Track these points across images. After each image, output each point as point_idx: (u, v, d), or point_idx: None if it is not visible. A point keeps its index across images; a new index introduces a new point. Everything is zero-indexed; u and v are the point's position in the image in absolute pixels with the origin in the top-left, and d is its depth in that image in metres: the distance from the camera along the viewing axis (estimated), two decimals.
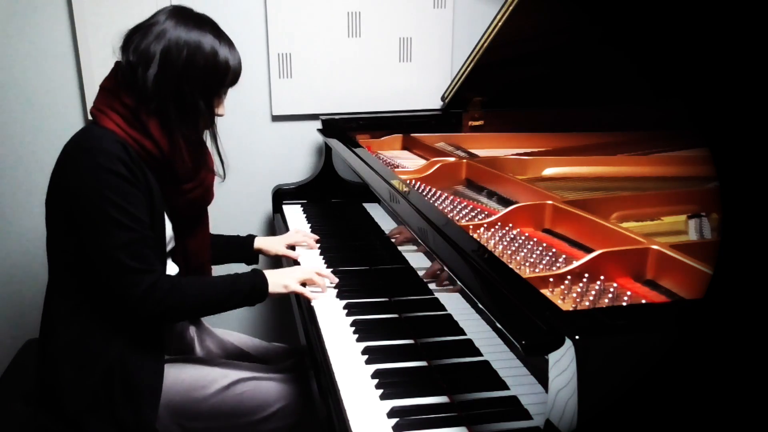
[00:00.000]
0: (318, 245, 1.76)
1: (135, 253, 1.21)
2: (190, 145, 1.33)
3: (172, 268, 1.45)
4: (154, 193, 1.29)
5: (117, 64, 1.30)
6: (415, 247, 1.31)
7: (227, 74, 1.31)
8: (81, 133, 1.26)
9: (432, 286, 1.18)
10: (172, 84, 1.25)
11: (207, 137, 1.42)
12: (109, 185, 1.19)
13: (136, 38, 1.25)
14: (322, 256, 1.70)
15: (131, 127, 1.24)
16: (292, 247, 1.75)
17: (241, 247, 1.71)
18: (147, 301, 1.23)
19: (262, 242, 1.72)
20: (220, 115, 1.37)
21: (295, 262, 1.67)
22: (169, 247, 1.41)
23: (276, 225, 2.11)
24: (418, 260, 1.29)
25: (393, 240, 1.43)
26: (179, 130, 1.28)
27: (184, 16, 1.28)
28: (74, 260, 1.26)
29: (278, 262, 1.81)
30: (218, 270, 1.56)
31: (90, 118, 1.31)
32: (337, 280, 1.48)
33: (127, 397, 1.28)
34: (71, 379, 1.27)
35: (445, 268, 1.08)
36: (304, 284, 1.43)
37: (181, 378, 1.38)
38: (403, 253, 1.38)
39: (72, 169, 1.22)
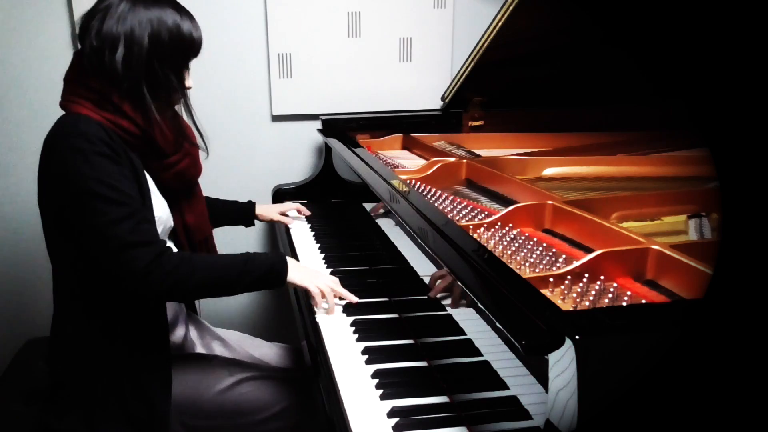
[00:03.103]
0: (305, 217, 1.95)
1: (132, 227, 1.17)
2: (166, 118, 1.32)
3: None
4: (139, 171, 1.27)
5: (77, 54, 1.29)
6: (392, 221, 1.32)
7: (192, 46, 1.31)
8: (55, 124, 1.25)
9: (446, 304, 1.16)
10: (142, 63, 1.24)
11: (182, 113, 1.41)
12: (93, 165, 1.16)
13: (95, 23, 1.23)
14: (322, 255, 1.70)
15: (103, 109, 1.23)
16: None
17: (242, 212, 1.82)
18: (152, 276, 1.17)
19: (258, 209, 1.85)
20: (189, 88, 1.36)
21: (287, 230, 1.86)
22: (168, 225, 1.40)
23: (276, 226, 2.11)
24: (418, 260, 1.29)
25: (373, 214, 1.45)
26: (153, 106, 1.27)
27: None
28: (74, 258, 1.25)
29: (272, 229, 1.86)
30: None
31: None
32: (356, 299, 1.38)
33: (138, 391, 1.28)
34: (81, 377, 1.27)
35: (446, 268, 1.07)
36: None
37: (185, 377, 1.38)
38: (403, 253, 1.38)
39: (53, 158, 1.20)
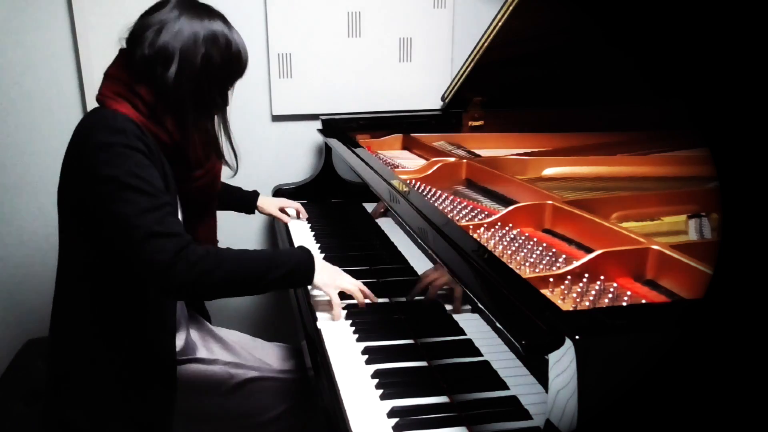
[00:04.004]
0: (305, 219, 1.96)
1: (159, 218, 1.15)
2: (202, 135, 1.34)
3: None
4: (168, 174, 1.28)
5: (123, 51, 1.28)
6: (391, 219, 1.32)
7: (240, 66, 1.34)
8: (91, 114, 1.24)
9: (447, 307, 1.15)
10: (192, 81, 1.25)
11: (219, 128, 1.41)
12: (126, 156, 1.16)
13: (149, 34, 1.23)
14: (322, 256, 1.70)
15: (144, 117, 1.23)
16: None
17: (245, 199, 1.88)
18: (177, 267, 1.14)
19: (261, 200, 1.91)
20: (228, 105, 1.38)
21: (286, 228, 1.89)
22: None
23: (276, 225, 2.11)
24: (418, 260, 1.29)
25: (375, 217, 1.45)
26: (194, 123, 1.29)
27: (194, 7, 1.27)
28: (87, 256, 1.24)
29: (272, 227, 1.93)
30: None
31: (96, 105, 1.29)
32: (378, 300, 1.38)
33: (141, 391, 1.28)
34: (83, 373, 1.27)
35: (446, 268, 1.07)
36: (341, 294, 1.37)
37: (190, 381, 1.38)
38: (403, 253, 1.38)
39: (85, 148, 1.19)
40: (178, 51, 1.23)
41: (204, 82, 1.27)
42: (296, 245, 1.76)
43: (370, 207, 1.67)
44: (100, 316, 1.27)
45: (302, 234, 1.86)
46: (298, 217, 1.99)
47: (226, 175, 1.48)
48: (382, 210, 1.53)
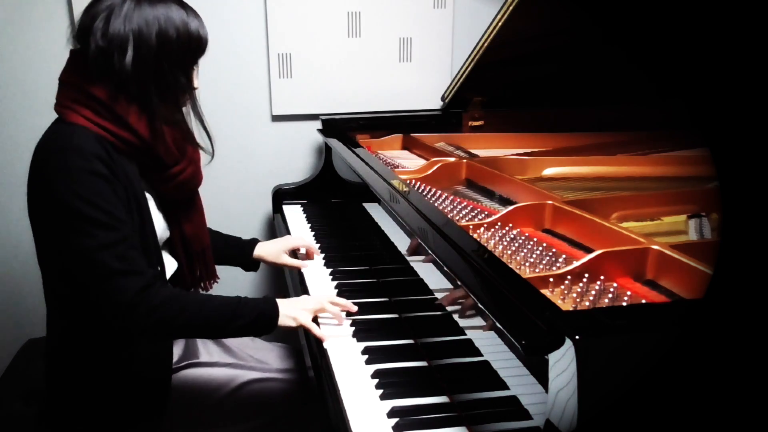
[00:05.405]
0: (317, 256, 1.69)
1: (120, 254, 1.11)
2: (171, 127, 1.27)
3: (170, 262, 1.41)
4: (137, 187, 1.22)
5: (74, 53, 1.23)
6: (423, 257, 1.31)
7: (200, 45, 1.26)
8: (49, 134, 1.18)
9: (457, 318, 1.10)
10: (151, 64, 1.18)
11: (191, 114, 1.34)
12: (85, 183, 1.11)
13: (99, 23, 1.17)
14: (322, 255, 1.69)
15: (104, 119, 1.17)
16: (295, 254, 1.71)
17: (240, 251, 1.65)
18: (137, 309, 1.12)
19: (261, 249, 1.65)
20: (197, 88, 1.31)
21: (300, 273, 1.62)
22: (163, 237, 1.37)
23: (276, 225, 2.11)
24: (418, 260, 1.29)
25: (409, 258, 1.36)
26: (160, 112, 1.23)
27: None
28: (64, 274, 1.20)
29: (281, 271, 1.76)
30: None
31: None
32: (355, 308, 1.34)
33: (134, 403, 1.28)
34: (77, 386, 1.26)
35: (445, 268, 1.07)
36: (315, 319, 1.32)
37: (188, 384, 1.38)
38: (403, 253, 1.38)
39: (44, 173, 1.14)
40: (132, 34, 1.16)
41: (164, 62, 1.20)
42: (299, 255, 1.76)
43: (370, 207, 1.67)
44: (91, 331, 1.24)
45: (302, 235, 1.86)
46: (308, 255, 1.70)
47: (218, 166, 1.37)
48: (416, 246, 1.34)
